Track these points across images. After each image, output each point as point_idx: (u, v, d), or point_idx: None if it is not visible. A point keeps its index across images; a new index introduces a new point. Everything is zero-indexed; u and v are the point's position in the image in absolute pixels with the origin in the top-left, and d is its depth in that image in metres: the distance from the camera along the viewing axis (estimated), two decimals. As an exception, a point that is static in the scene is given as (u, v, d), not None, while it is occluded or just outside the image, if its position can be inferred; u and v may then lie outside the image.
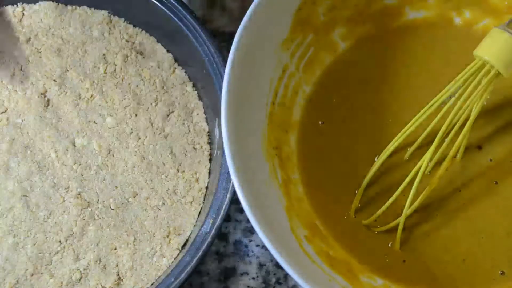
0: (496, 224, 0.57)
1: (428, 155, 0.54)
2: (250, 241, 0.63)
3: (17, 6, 0.64)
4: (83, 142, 0.60)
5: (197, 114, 0.62)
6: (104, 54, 0.63)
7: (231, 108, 0.53)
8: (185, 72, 0.64)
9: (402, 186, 0.54)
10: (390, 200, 0.54)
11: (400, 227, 0.55)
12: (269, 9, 0.56)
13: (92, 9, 0.64)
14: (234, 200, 0.55)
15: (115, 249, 0.57)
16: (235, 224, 0.64)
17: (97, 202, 0.58)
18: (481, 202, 0.57)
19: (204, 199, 0.59)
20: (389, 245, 0.56)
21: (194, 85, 0.63)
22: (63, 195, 0.58)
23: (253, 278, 0.62)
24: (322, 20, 0.61)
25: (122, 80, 0.62)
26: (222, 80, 0.54)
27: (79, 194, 0.58)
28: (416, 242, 0.56)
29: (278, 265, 0.62)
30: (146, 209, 0.59)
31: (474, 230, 0.57)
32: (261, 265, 0.63)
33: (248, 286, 0.62)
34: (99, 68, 0.62)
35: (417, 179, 0.53)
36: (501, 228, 0.56)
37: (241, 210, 0.63)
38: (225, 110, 0.52)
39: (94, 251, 0.57)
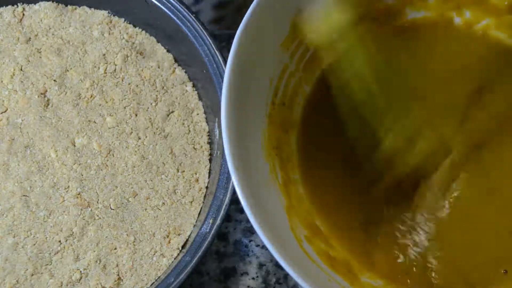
0: (498, 222, 0.57)
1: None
2: (250, 241, 0.63)
3: (17, 6, 0.64)
4: (83, 142, 0.60)
5: (197, 114, 0.62)
6: (104, 54, 0.63)
7: (231, 108, 0.53)
8: (185, 72, 0.64)
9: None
10: None
11: None
12: (269, 9, 0.56)
13: (92, 9, 0.65)
14: (234, 200, 0.55)
15: (115, 249, 0.57)
16: (235, 224, 0.64)
17: (97, 202, 0.58)
18: (482, 202, 0.57)
19: (204, 199, 0.59)
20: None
21: (194, 85, 0.63)
22: (63, 195, 0.58)
23: (253, 278, 0.62)
24: (322, 20, 0.61)
25: (122, 80, 0.62)
26: (222, 80, 0.54)
27: (79, 194, 0.58)
28: (417, 242, 0.56)
29: (278, 265, 0.62)
30: (146, 209, 0.59)
31: (476, 229, 0.57)
32: (261, 265, 0.63)
33: (248, 286, 0.62)
34: (99, 68, 0.62)
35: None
36: (503, 227, 0.56)
37: (241, 210, 0.63)
38: (225, 110, 0.52)
39: (94, 251, 0.57)
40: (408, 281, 0.55)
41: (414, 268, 0.56)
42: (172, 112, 0.62)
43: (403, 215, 0.56)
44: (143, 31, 0.65)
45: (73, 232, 0.57)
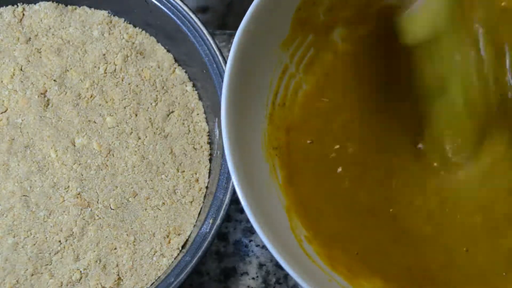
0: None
1: None
2: (250, 241, 0.63)
3: (17, 6, 0.64)
4: (83, 142, 0.60)
5: (197, 114, 0.62)
6: (104, 54, 0.63)
7: (231, 108, 0.53)
8: (185, 72, 0.64)
9: None
10: None
11: None
12: (269, 9, 0.56)
13: (92, 9, 0.65)
14: (234, 200, 0.55)
15: (115, 249, 0.57)
16: (235, 224, 0.64)
17: (97, 202, 0.58)
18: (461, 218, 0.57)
19: (204, 199, 0.59)
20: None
21: (194, 85, 0.63)
22: (63, 195, 0.58)
23: (253, 278, 0.62)
24: (322, 20, 0.61)
25: (122, 80, 0.62)
26: (222, 80, 0.54)
27: (79, 194, 0.58)
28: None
29: (278, 265, 0.62)
30: (146, 209, 0.59)
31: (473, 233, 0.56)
32: (261, 265, 0.63)
33: (248, 286, 0.62)
34: (99, 68, 0.62)
35: None
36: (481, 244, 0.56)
37: (241, 210, 0.63)
38: (225, 110, 0.52)
39: (94, 251, 0.57)
40: (406, 282, 0.55)
41: (413, 269, 0.56)
42: (172, 112, 0.62)
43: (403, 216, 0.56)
44: (143, 31, 0.65)
45: (73, 232, 0.57)
